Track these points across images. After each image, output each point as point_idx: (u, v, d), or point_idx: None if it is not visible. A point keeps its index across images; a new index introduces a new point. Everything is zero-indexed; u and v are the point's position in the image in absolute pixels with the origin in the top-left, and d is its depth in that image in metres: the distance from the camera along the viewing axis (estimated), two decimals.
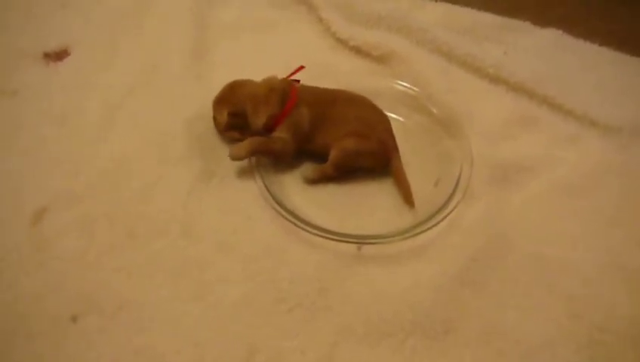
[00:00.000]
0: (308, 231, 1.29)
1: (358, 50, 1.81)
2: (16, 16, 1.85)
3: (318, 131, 1.44)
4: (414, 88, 1.61)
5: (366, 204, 1.41)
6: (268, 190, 1.36)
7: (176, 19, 1.86)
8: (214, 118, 1.49)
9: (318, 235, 1.29)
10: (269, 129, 1.44)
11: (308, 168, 1.45)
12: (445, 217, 1.33)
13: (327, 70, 1.67)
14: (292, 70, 1.51)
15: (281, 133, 1.42)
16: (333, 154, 1.42)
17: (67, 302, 1.21)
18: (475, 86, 1.72)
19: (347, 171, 1.44)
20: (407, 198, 1.41)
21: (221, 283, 1.25)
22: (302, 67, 1.51)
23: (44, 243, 1.30)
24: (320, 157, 1.45)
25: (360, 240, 1.30)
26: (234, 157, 1.40)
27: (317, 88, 1.50)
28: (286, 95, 1.44)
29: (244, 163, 1.43)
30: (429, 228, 1.31)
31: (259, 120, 1.42)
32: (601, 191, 1.46)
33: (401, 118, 1.56)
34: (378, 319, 1.21)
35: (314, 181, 1.43)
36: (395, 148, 1.45)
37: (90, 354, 1.14)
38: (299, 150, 1.45)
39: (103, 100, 1.60)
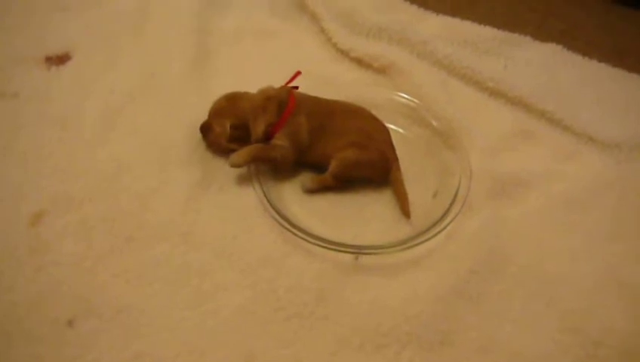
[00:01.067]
0: (306, 241, 1.30)
1: (359, 62, 1.81)
2: (18, 19, 1.85)
3: (318, 142, 1.45)
4: (414, 100, 1.61)
5: (364, 214, 1.41)
6: (267, 198, 1.36)
7: (178, 26, 1.86)
8: (208, 131, 1.48)
9: (316, 244, 1.29)
10: (268, 138, 1.44)
11: (307, 177, 1.45)
12: (443, 229, 1.33)
13: (328, 81, 1.67)
14: (290, 77, 1.51)
15: (279, 141, 1.42)
16: (334, 164, 1.42)
17: (65, 306, 1.20)
18: (475, 99, 1.73)
19: (346, 181, 1.44)
20: (404, 209, 1.41)
21: (219, 290, 1.25)
22: (299, 72, 1.51)
23: (43, 246, 1.30)
24: (319, 168, 1.45)
25: (358, 250, 1.30)
26: (234, 165, 1.40)
27: (316, 98, 1.50)
28: (284, 103, 1.44)
29: (243, 171, 1.43)
30: (427, 240, 1.31)
31: (258, 128, 1.43)
32: (600, 206, 1.47)
33: (400, 130, 1.56)
34: (375, 329, 1.21)
35: (313, 191, 1.43)
36: (395, 159, 1.46)
37: (88, 358, 1.14)
38: (298, 161, 1.46)
39: (104, 105, 1.60)
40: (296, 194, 1.44)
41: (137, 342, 1.17)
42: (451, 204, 1.37)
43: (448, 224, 1.34)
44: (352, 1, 1.98)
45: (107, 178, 1.43)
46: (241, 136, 1.44)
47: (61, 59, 1.72)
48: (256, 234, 1.35)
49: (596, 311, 1.27)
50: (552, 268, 1.33)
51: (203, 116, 1.50)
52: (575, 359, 1.20)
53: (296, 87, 1.49)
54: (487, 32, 1.96)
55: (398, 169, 1.45)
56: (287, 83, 1.49)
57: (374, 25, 1.90)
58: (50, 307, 1.21)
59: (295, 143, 1.43)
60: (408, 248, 1.30)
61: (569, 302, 1.28)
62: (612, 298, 1.30)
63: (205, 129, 1.48)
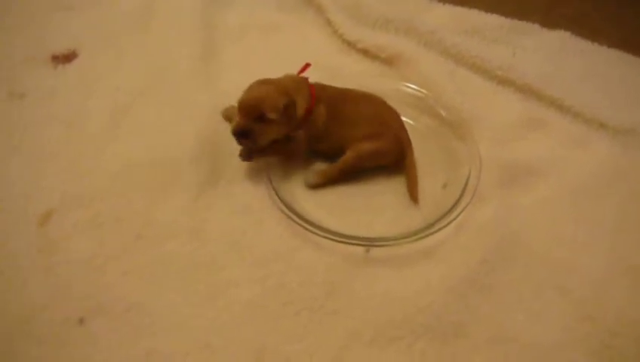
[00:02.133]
0: (316, 234, 1.29)
1: (366, 53, 1.81)
2: (22, 20, 1.85)
3: (333, 130, 1.44)
4: (422, 90, 1.60)
5: (374, 206, 1.40)
6: (276, 192, 1.36)
7: (184, 22, 1.86)
8: (251, 129, 1.35)
9: (326, 238, 1.28)
10: (300, 125, 1.41)
11: (309, 172, 1.44)
12: (454, 219, 1.32)
13: (336, 72, 1.66)
14: (299, 69, 1.50)
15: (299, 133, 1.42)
16: (349, 155, 1.41)
17: (75, 304, 1.21)
18: (484, 88, 1.72)
19: (358, 171, 1.44)
20: (413, 195, 1.41)
21: (230, 286, 1.25)
22: (308, 65, 1.49)
23: (52, 245, 1.30)
24: (331, 157, 1.45)
25: (368, 242, 1.29)
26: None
27: (330, 86, 1.49)
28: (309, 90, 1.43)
29: (252, 165, 1.43)
30: (437, 230, 1.30)
31: (300, 108, 1.40)
32: (611, 193, 1.45)
33: (409, 121, 1.55)
34: (387, 322, 1.21)
35: (317, 185, 1.43)
36: (409, 143, 1.46)
37: (98, 356, 1.14)
38: (311, 150, 1.46)
39: (111, 103, 1.60)
40: (305, 188, 1.43)
41: (147, 340, 1.16)
42: (461, 195, 1.36)
43: (459, 214, 1.33)
44: None
45: (116, 176, 1.43)
46: (290, 115, 1.37)
47: (67, 58, 1.72)
48: (266, 229, 1.35)
49: (611, 299, 1.26)
50: (563, 256, 1.32)
51: (211, 112, 1.50)
52: (590, 348, 1.19)
53: (306, 79, 1.48)
54: (494, 20, 1.95)
55: (412, 153, 1.45)
56: (298, 74, 1.48)
57: (381, 15, 1.89)
58: (60, 306, 1.21)
59: (312, 133, 1.43)
60: (419, 239, 1.29)
61: (582, 290, 1.27)
62: (626, 287, 1.29)
63: (244, 131, 1.35)
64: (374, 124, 1.44)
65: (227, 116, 1.54)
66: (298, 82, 1.42)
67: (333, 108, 1.44)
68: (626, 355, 1.18)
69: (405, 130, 1.48)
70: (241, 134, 1.34)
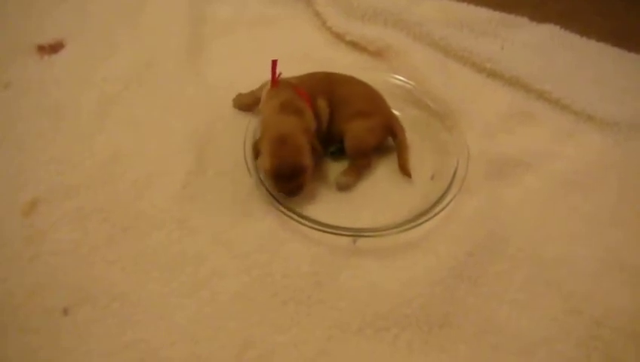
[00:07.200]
0: (303, 225, 1.29)
1: (355, 45, 1.80)
2: (11, 9, 1.84)
3: (331, 115, 1.44)
4: (411, 82, 1.60)
5: (361, 197, 1.40)
6: (263, 184, 1.35)
7: (173, 14, 1.86)
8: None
9: (313, 228, 1.28)
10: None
11: (339, 175, 1.42)
12: (441, 211, 1.32)
13: (324, 65, 1.64)
14: (273, 69, 1.43)
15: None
16: (347, 143, 1.41)
17: (60, 294, 1.20)
18: (472, 80, 1.72)
19: (370, 153, 1.44)
20: (404, 169, 1.42)
21: (216, 277, 1.25)
22: (275, 61, 1.42)
23: (38, 235, 1.29)
24: (330, 143, 1.45)
25: (355, 233, 1.29)
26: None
27: (316, 73, 1.50)
28: (299, 99, 1.41)
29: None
30: (425, 221, 1.30)
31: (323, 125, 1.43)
32: (599, 186, 1.46)
33: (397, 112, 1.54)
34: (373, 313, 1.20)
35: (350, 185, 1.41)
36: (397, 119, 1.47)
37: (83, 346, 1.14)
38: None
39: (99, 94, 1.60)
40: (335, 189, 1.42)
41: (132, 330, 1.16)
42: (449, 186, 1.36)
43: (446, 205, 1.33)
44: None
45: (103, 167, 1.43)
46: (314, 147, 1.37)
47: (54, 48, 1.71)
48: (252, 220, 1.34)
49: (598, 292, 1.26)
50: (551, 249, 1.32)
51: (199, 104, 1.49)
52: (578, 340, 1.19)
53: (280, 74, 1.45)
54: (483, 13, 1.95)
55: (403, 132, 1.46)
56: (273, 77, 1.43)
57: (370, 7, 1.89)
58: (45, 296, 1.20)
59: (321, 129, 1.43)
60: (406, 230, 1.29)
61: (569, 283, 1.27)
62: (614, 279, 1.29)
63: (299, 190, 1.34)
64: (366, 101, 1.45)
65: (240, 104, 1.55)
66: (286, 104, 1.37)
67: (328, 94, 1.44)
68: (612, 345, 1.18)
69: (390, 109, 1.49)
70: (297, 193, 1.33)
